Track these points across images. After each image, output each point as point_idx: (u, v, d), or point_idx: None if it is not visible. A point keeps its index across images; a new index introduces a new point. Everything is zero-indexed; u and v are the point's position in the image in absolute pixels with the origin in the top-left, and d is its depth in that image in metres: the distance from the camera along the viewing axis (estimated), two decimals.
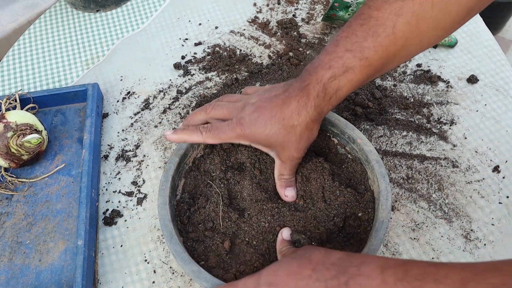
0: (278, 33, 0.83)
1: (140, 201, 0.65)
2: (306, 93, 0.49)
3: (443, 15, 0.46)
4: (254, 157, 0.59)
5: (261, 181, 0.58)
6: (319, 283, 0.40)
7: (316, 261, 0.42)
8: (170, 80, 0.78)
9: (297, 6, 0.87)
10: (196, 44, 0.82)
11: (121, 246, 0.61)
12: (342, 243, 0.54)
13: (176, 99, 0.75)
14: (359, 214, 0.54)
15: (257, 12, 0.87)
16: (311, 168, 0.56)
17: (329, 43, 0.50)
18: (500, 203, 0.64)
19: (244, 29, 0.84)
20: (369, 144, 0.57)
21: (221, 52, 0.81)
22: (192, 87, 0.77)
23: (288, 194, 0.55)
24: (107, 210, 0.64)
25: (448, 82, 0.76)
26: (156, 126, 0.72)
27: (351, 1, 0.73)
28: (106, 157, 0.69)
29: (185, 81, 0.77)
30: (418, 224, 0.62)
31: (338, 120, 0.59)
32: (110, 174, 0.68)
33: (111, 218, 0.63)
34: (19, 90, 0.74)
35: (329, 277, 0.40)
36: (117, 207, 0.65)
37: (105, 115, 0.74)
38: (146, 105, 0.75)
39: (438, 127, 0.71)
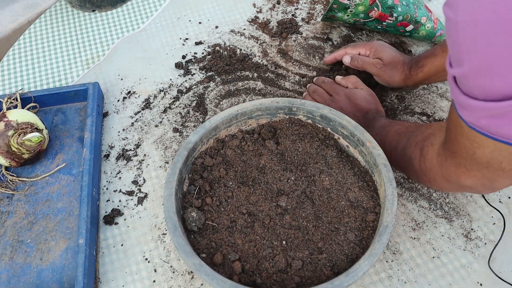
0: (278, 33, 0.83)
1: (140, 200, 0.65)
2: (408, 60, 0.71)
3: None
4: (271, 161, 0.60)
5: (268, 185, 0.58)
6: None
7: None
8: (171, 79, 0.78)
9: (297, 6, 0.87)
10: (196, 44, 0.82)
11: (122, 245, 0.61)
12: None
13: (176, 98, 0.75)
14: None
15: (257, 12, 0.87)
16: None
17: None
18: (500, 202, 0.64)
19: (244, 29, 0.84)
20: (378, 147, 0.56)
21: (221, 51, 0.81)
22: (193, 87, 0.77)
23: (346, 59, 0.75)
24: (108, 209, 0.64)
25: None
26: (156, 126, 0.72)
27: (349, 2, 0.73)
28: (106, 156, 0.69)
29: (186, 80, 0.77)
30: (418, 224, 0.62)
31: (348, 122, 0.59)
32: (111, 173, 0.68)
33: (112, 217, 0.63)
34: (20, 90, 0.74)
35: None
36: (118, 206, 0.65)
37: (106, 115, 0.74)
38: (147, 104, 0.75)
39: None
